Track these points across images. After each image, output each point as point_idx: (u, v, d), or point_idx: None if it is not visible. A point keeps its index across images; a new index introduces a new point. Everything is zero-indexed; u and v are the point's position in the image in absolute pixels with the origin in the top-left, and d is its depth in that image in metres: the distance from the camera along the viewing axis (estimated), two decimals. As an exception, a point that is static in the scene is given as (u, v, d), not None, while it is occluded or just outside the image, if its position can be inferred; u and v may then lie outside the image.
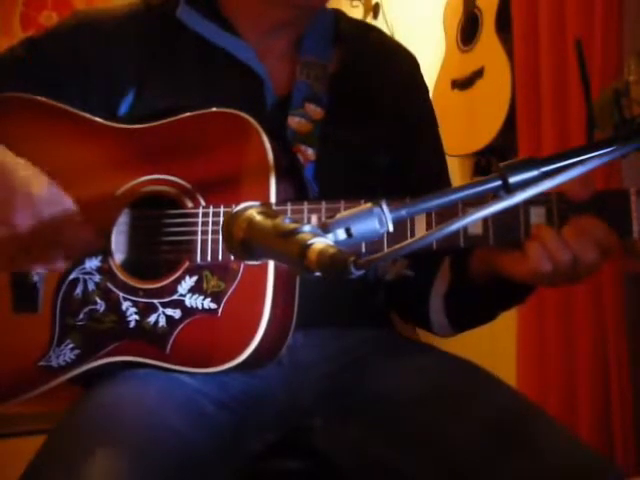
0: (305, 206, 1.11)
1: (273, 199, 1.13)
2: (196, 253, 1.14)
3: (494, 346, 2.53)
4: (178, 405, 1.09)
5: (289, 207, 1.11)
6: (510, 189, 0.76)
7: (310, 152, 1.26)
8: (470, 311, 1.25)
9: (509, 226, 1.03)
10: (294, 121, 1.27)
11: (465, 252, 1.17)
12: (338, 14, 1.43)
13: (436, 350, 1.27)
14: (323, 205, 1.11)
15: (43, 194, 1.11)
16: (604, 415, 2.28)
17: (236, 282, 1.12)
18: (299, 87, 1.30)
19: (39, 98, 1.24)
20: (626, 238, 1.00)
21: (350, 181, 1.24)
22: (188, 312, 1.14)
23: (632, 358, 2.26)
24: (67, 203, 1.14)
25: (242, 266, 1.13)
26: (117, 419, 1.02)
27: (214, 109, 1.18)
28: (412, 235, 1.05)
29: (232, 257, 1.09)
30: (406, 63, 1.43)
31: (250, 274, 1.12)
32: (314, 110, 1.29)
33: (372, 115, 1.34)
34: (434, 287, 1.27)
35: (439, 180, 1.37)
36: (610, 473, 1.01)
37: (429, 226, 1.05)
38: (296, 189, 1.19)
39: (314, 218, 1.11)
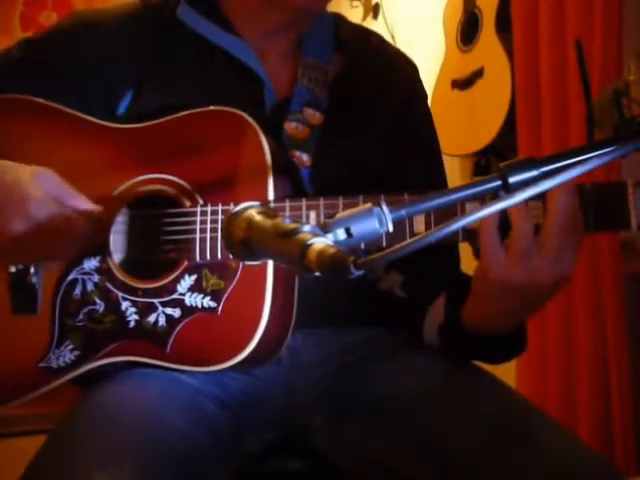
0: (303, 203, 1.11)
1: (271, 198, 1.13)
2: (195, 252, 1.14)
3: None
4: (178, 405, 1.09)
5: (287, 204, 1.11)
6: (510, 189, 0.76)
7: (305, 158, 1.26)
8: (462, 351, 1.19)
9: (505, 218, 1.02)
10: (290, 126, 1.27)
11: (460, 298, 1.13)
12: (338, 18, 1.43)
13: (436, 350, 1.27)
14: (321, 202, 1.11)
15: (39, 196, 1.11)
16: (604, 415, 2.28)
17: (235, 280, 1.13)
18: (300, 91, 1.30)
19: (37, 99, 1.24)
20: (624, 231, 1.00)
21: (345, 187, 1.23)
22: (188, 311, 1.14)
23: (632, 358, 2.26)
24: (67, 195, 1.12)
25: (241, 264, 1.13)
26: (117, 419, 1.01)
27: (212, 107, 1.18)
28: (411, 235, 1.05)
29: (231, 257, 1.09)
30: (406, 69, 1.43)
31: (249, 272, 1.12)
32: (313, 115, 1.29)
33: (371, 121, 1.34)
34: (427, 316, 1.24)
35: (434, 186, 1.36)
36: (610, 474, 1.01)
37: (428, 225, 1.05)
38: (294, 188, 1.19)
39: (312, 214, 1.11)
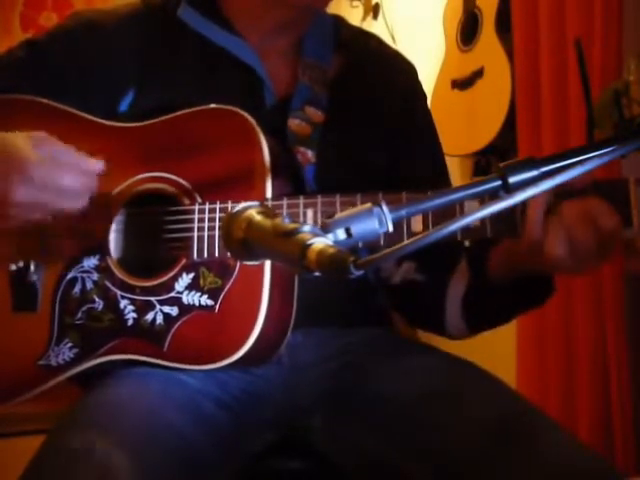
0: (301, 201, 1.11)
1: (269, 196, 1.13)
2: (192, 250, 1.14)
3: (494, 346, 2.52)
4: (178, 404, 1.09)
5: (285, 202, 1.11)
6: (510, 189, 0.76)
7: (310, 154, 1.26)
8: (490, 312, 1.23)
9: (505, 212, 1.02)
10: (294, 123, 1.27)
11: (483, 250, 1.16)
12: (338, 20, 1.43)
13: (436, 350, 1.27)
14: (319, 199, 1.11)
15: (37, 158, 1.09)
16: (604, 415, 2.28)
17: (233, 278, 1.13)
18: (300, 89, 1.30)
19: (38, 99, 1.25)
20: (626, 229, 1.00)
21: (349, 183, 1.23)
22: (185, 309, 1.14)
23: (632, 358, 2.26)
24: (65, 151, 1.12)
25: (238, 262, 1.13)
26: (117, 418, 1.01)
27: (212, 106, 1.18)
28: (409, 233, 1.05)
29: (229, 256, 1.10)
30: (405, 71, 1.43)
31: (247, 270, 1.12)
32: (314, 113, 1.29)
33: (372, 122, 1.34)
34: (450, 289, 1.25)
35: (438, 183, 1.37)
36: (610, 474, 1.01)
37: (425, 224, 1.05)
38: (293, 187, 1.19)
39: (310, 213, 1.11)
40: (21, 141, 1.11)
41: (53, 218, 1.12)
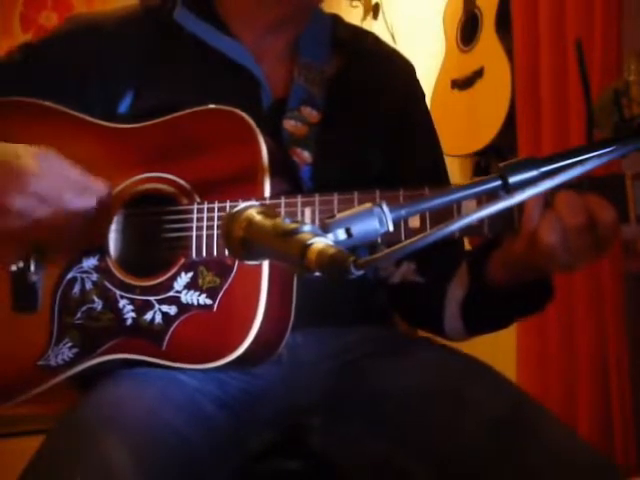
0: (299, 199, 1.11)
1: (267, 196, 1.13)
2: (191, 249, 1.14)
3: (494, 345, 2.52)
4: (177, 404, 1.09)
5: (283, 200, 1.12)
6: (510, 189, 0.76)
7: (306, 155, 1.26)
8: (488, 316, 1.23)
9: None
10: (289, 124, 1.27)
11: (483, 254, 1.16)
12: (335, 19, 1.43)
13: (436, 346, 1.27)
14: (317, 198, 1.11)
15: (38, 172, 1.10)
16: (604, 415, 2.28)
17: (231, 277, 1.13)
18: (296, 90, 1.30)
19: (37, 101, 1.25)
20: (623, 225, 0.99)
21: (346, 184, 1.24)
22: (184, 308, 1.14)
23: (632, 358, 2.26)
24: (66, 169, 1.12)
25: (237, 261, 1.13)
26: (116, 418, 1.01)
27: (211, 106, 1.18)
28: (406, 229, 1.05)
29: (227, 254, 1.10)
30: (403, 69, 1.43)
31: (245, 269, 1.12)
32: (310, 113, 1.29)
33: (370, 121, 1.34)
34: (450, 292, 1.25)
35: (438, 182, 1.37)
36: (610, 472, 1.01)
37: (423, 221, 1.05)
38: (291, 187, 1.20)
39: (308, 211, 1.11)
40: (23, 151, 1.11)
41: (49, 230, 1.13)
